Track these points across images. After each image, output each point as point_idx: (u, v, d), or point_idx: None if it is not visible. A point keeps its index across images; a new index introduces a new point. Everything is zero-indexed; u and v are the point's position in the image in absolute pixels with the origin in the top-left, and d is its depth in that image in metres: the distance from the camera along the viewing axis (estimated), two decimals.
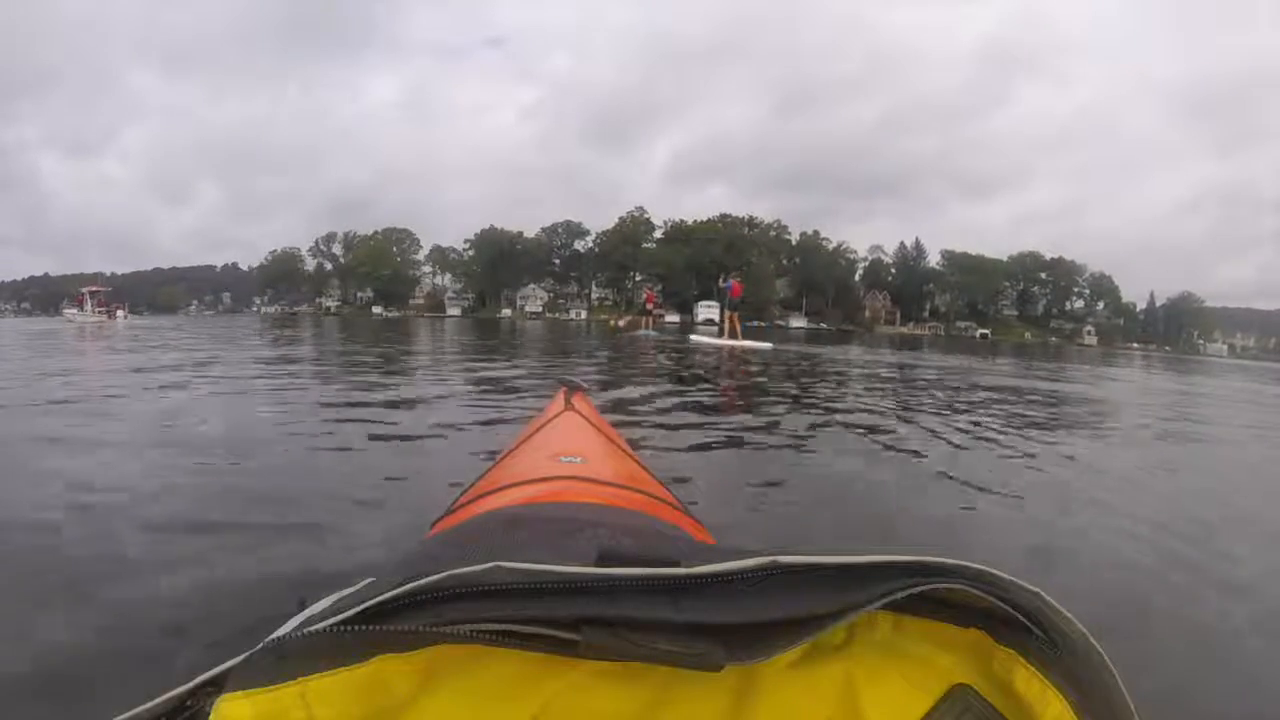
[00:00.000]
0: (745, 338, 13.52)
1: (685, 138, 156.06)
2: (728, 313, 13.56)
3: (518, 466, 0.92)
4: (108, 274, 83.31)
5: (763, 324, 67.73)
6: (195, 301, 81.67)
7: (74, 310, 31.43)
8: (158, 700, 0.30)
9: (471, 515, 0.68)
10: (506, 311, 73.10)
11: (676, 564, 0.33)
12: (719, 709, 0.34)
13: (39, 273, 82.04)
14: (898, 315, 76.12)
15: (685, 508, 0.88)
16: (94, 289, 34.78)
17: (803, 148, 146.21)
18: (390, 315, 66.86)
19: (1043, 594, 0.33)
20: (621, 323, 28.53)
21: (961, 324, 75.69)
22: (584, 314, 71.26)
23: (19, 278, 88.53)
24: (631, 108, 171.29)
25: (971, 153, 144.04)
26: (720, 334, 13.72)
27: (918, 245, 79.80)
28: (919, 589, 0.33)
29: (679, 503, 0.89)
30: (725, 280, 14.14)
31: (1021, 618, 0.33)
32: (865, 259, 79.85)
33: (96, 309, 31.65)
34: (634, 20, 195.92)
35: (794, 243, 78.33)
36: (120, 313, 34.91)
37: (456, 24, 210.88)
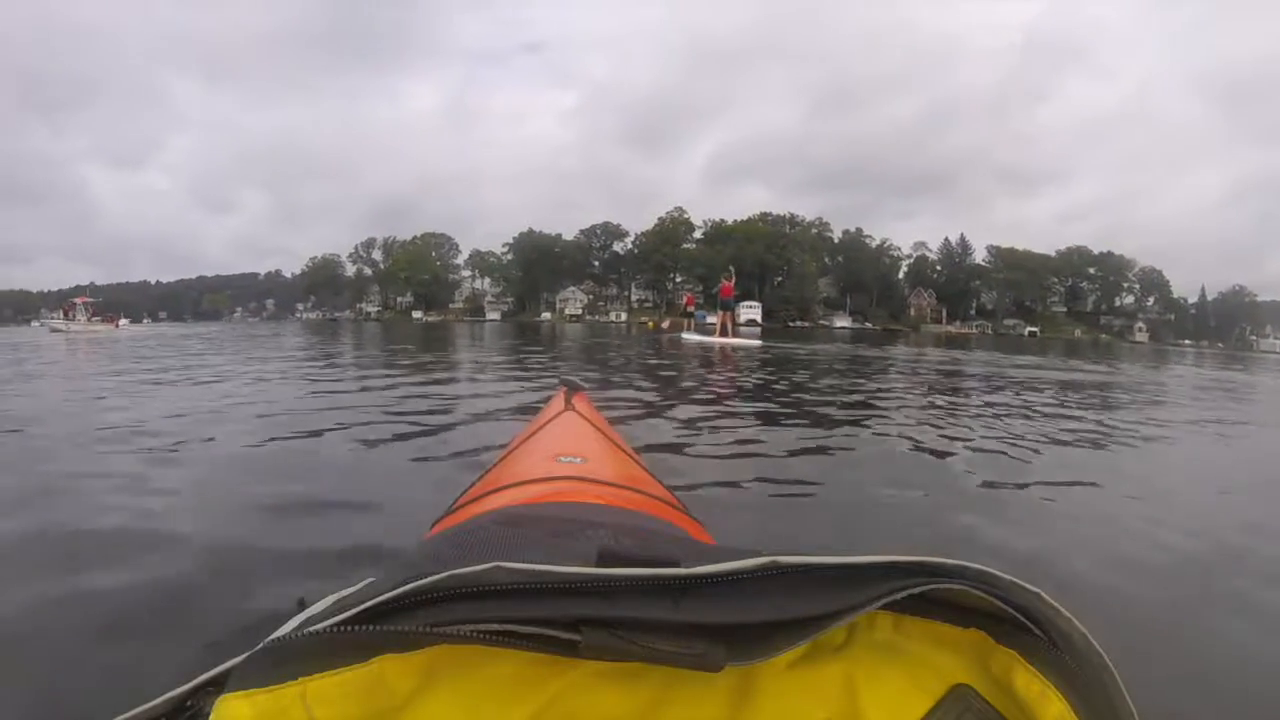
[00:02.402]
0: (762, 337, 15.03)
1: (725, 137, 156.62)
2: (720, 312, 13.95)
3: (518, 467, 0.93)
4: (153, 282, 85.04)
5: (806, 324, 67.14)
6: (239, 309, 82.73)
7: (58, 319, 29.87)
8: (158, 700, 0.31)
9: (472, 515, 0.69)
10: (546, 315, 73.49)
11: (676, 564, 0.33)
12: (719, 709, 0.35)
13: (85, 281, 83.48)
14: (944, 313, 74.91)
15: (685, 508, 0.89)
16: (85, 300, 34.02)
17: (844, 145, 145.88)
18: (430, 320, 67.21)
19: (1043, 594, 0.33)
20: (665, 324, 28.63)
21: (1009, 322, 74.64)
22: (624, 316, 71.21)
23: (65, 286, 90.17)
24: (670, 109, 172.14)
25: (1016, 146, 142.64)
26: (715, 333, 14.26)
27: (963, 241, 79.34)
28: (919, 589, 0.33)
29: (679, 503, 0.90)
30: (719, 282, 14.84)
31: (1021, 618, 0.34)
32: (909, 256, 79.69)
33: (91, 318, 30.96)
34: (672, 22, 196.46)
35: (836, 241, 78.05)
36: (123, 321, 34.45)
37: (495, 30, 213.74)
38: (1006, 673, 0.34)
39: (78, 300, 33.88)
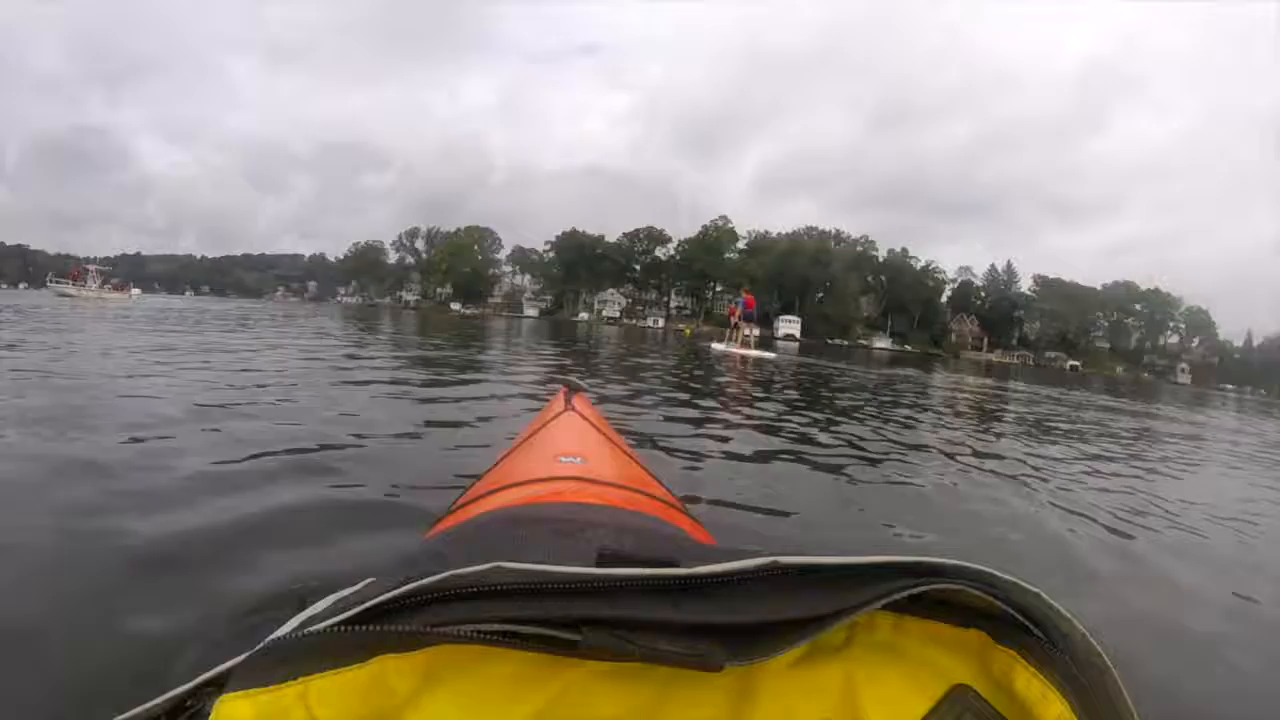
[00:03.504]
0: (799, 353, 15.91)
1: (775, 149, 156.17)
2: (743, 324, 14.90)
3: (518, 467, 0.93)
4: (198, 257, 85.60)
5: (845, 342, 66.14)
6: (281, 288, 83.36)
7: (67, 284, 28.99)
8: (158, 700, 0.30)
9: (472, 516, 0.69)
10: (583, 315, 73.11)
11: (676, 564, 0.33)
12: (719, 709, 0.34)
13: (132, 250, 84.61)
14: (985, 341, 73.43)
15: (685, 508, 0.89)
16: (96, 267, 33.56)
17: (894, 164, 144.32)
18: (467, 312, 67.12)
19: (1043, 594, 0.33)
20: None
21: (1050, 354, 73.10)
22: (661, 322, 70.66)
23: (111, 254, 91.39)
24: (722, 118, 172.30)
25: (1066, 177, 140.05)
26: (736, 343, 15.46)
27: (1009, 269, 77.57)
28: (919, 589, 0.33)
29: (679, 503, 0.90)
30: (739, 295, 15.59)
31: (1021, 618, 0.34)
32: (954, 280, 77.78)
33: (102, 286, 30.26)
34: (728, 31, 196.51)
35: (881, 260, 76.43)
36: (134, 290, 33.97)
37: (551, 31, 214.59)
38: (1006, 673, 0.34)
39: (90, 266, 33.13)
